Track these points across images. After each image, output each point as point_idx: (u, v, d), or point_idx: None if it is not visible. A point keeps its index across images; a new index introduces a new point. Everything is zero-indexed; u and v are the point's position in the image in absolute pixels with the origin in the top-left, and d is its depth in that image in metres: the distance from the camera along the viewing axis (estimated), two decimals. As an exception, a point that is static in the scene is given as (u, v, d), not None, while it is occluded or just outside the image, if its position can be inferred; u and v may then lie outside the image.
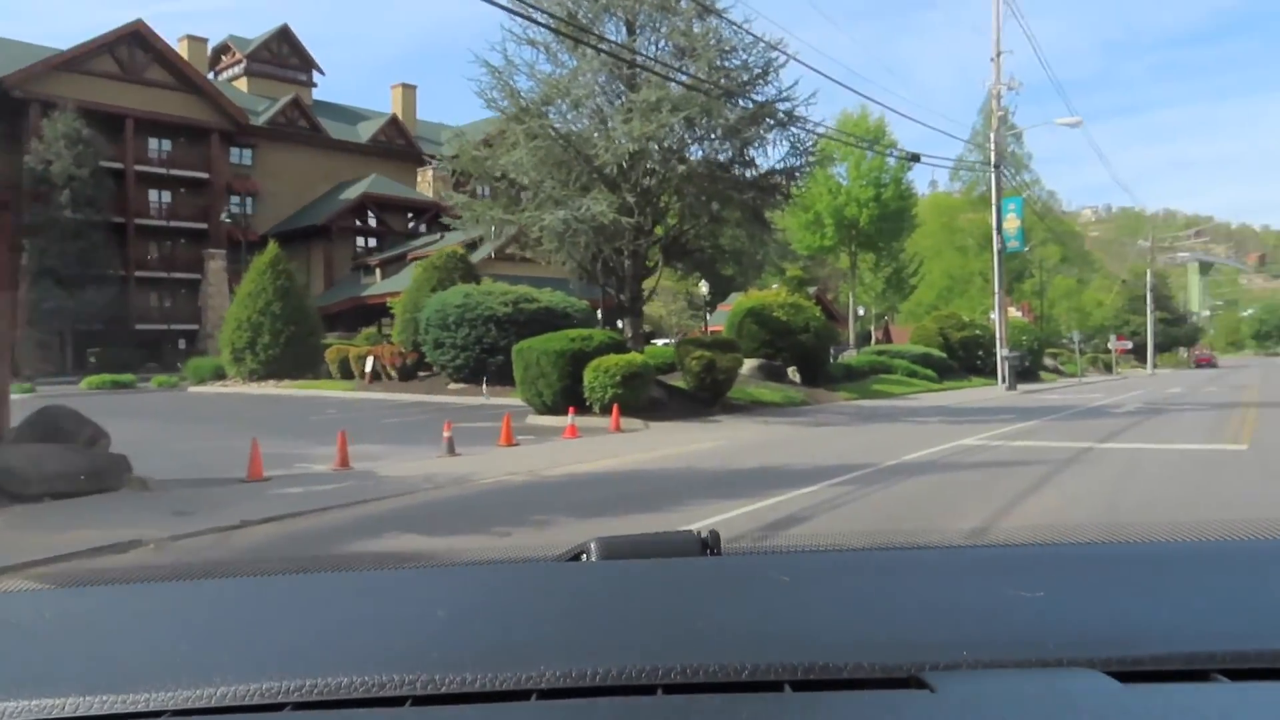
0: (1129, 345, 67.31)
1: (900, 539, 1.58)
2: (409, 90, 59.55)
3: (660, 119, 15.99)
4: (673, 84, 16.99)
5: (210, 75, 51.84)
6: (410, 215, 50.57)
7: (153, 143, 45.76)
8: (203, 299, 45.25)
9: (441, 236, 41.77)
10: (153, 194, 45.77)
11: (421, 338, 26.85)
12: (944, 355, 36.14)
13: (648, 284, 19.75)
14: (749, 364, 24.38)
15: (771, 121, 18.37)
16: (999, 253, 30.61)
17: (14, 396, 10.89)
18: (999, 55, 30.08)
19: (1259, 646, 0.82)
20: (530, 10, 15.70)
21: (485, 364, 24.05)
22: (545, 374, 17.73)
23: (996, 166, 30.21)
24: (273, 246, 34.20)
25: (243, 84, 52.90)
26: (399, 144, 54.47)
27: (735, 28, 17.05)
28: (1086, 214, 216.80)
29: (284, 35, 55.40)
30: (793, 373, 25.17)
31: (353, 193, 48.90)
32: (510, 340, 20.64)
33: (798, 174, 19.29)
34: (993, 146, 30.04)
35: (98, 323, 39.63)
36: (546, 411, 17.55)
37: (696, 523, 4.13)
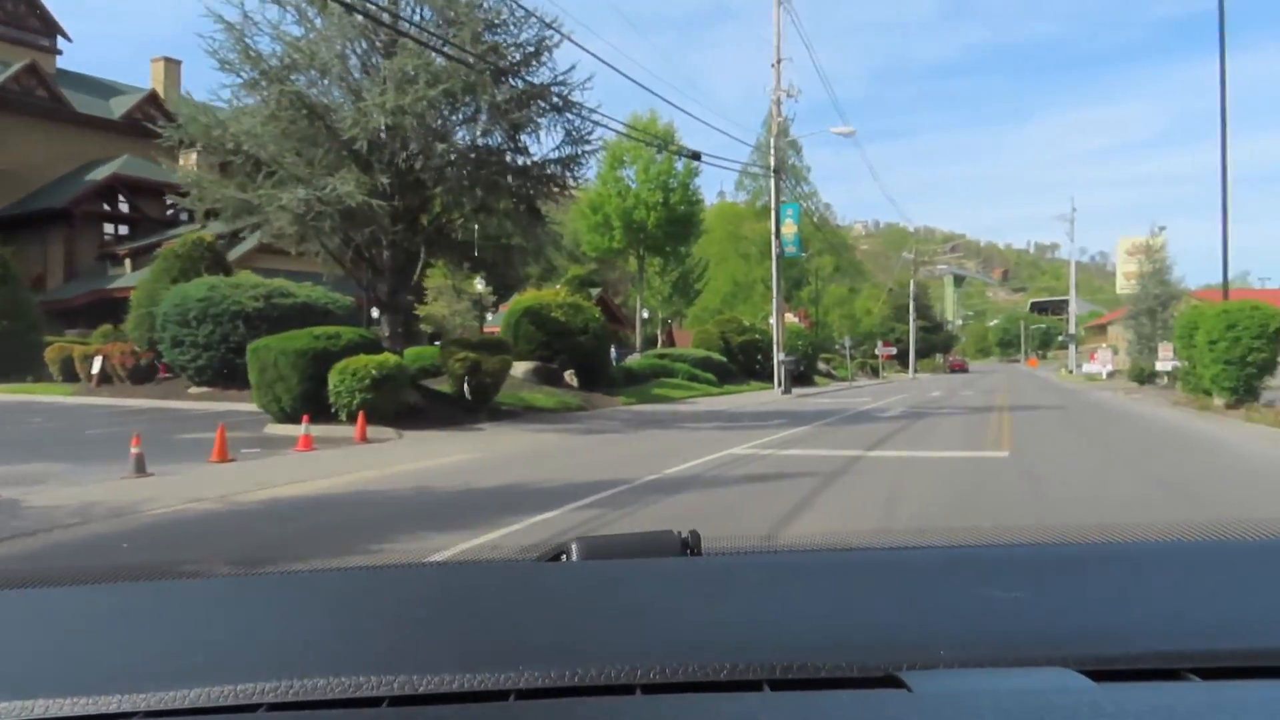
0: (894, 351, 71.87)
1: (879, 539, 1.60)
2: (172, 65, 53.35)
3: (417, 91, 14.28)
4: (436, 56, 15.33)
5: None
6: (170, 201, 45.23)
7: None
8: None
9: (204, 225, 37.54)
10: None
11: (158, 335, 23.56)
12: (725, 359, 36.38)
13: (436, 280, 17.89)
14: (523, 367, 23.02)
15: (545, 106, 17.09)
16: (777, 257, 30.99)
17: None
18: (779, 62, 30.46)
19: (1229, 645, 0.83)
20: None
21: (233, 365, 21.28)
22: (284, 376, 15.55)
23: (776, 171, 30.55)
24: (-14, 231, 29.41)
25: (-38, 43, 45.60)
26: (159, 123, 48.67)
27: (504, -1, 15.64)
28: (858, 228, 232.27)
29: (20, -10, 48.23)
30: (570, 376, 24.06)
31: (100, 174, 42.97)
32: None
33: (575, 165, 18.11)
34: (772, 151, 30.34)
35: None
36: (286, 419, 15.38)
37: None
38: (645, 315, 50.46)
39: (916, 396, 29.12)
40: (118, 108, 48.40)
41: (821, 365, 53.71)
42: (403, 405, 16.32)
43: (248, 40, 15.67)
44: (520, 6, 15.83)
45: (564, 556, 1.25)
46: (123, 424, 16.73)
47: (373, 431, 14.50)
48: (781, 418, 18.61)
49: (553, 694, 0.76)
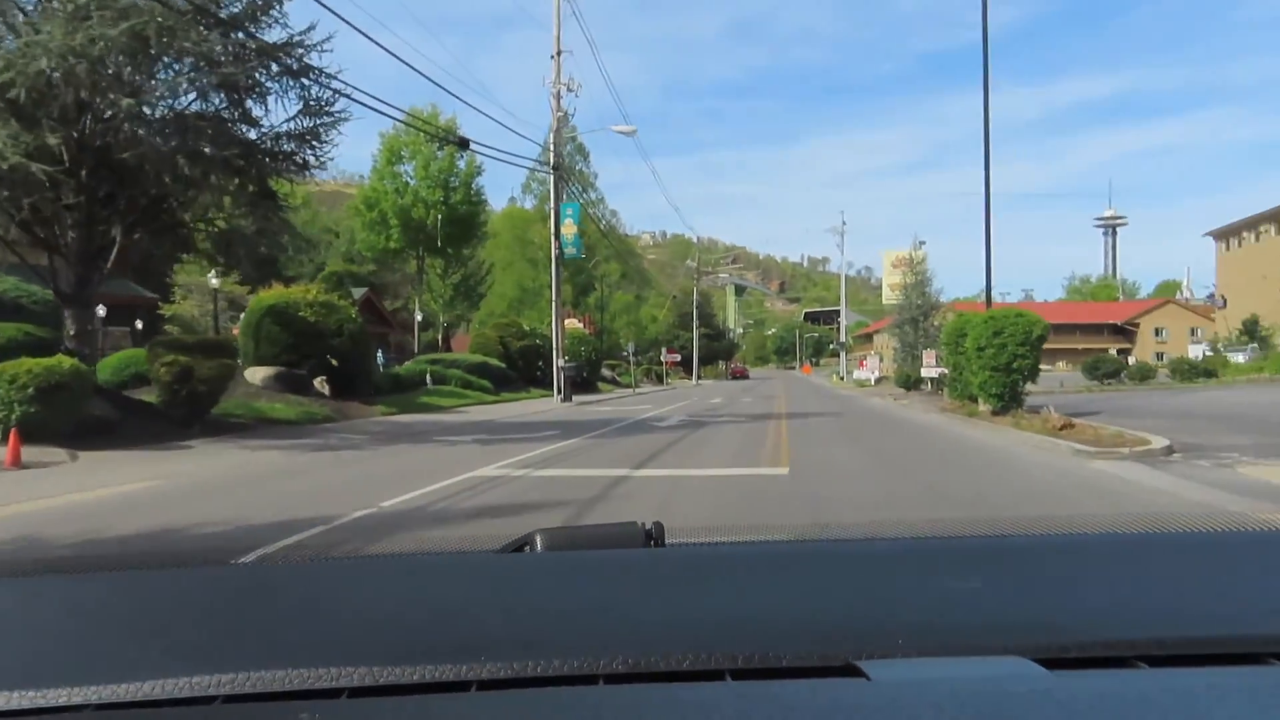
0: (679, 358, 72.59)
1: (840, 531, 1.67)
2: None
3: (91, 30, 11.46)
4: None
5: None
6: None
7: None
8: None
9: None
10: None
11: None
12: (503, 365, 34.42)
13: (194, 275, 14.71)
14: (263, 373, 20.09)
15: (277, 68, 14.58)
16: (556, 258, 29.48)
17: None
18: (559, 54, 28.98)
19: (1176, 634, 0.85)
20: None
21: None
22: (-86, 385, 12.17)
23: (556, 168, 29.01)
24: None
25: None
26: None
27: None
28: (646, 238, 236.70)
29: None
30: (321, 384, 21.30)
31: None
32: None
33: (316, 141, 15.64)
34: (551, 147, 28.78)
35: None
36: (-82, 438, 12.03)
37: None
38: (420, 318, 47.50)
39: (698, 403, 28.47)
40: None
41: (607, 372, 52.87)
42: (88, 420, 13.30)
43: None
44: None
45: (527, 547, 1.24)
46: None
47: (35, 453, 11.54)
48: (554, 429, 16.99)
49: (514, 685, 0.76)
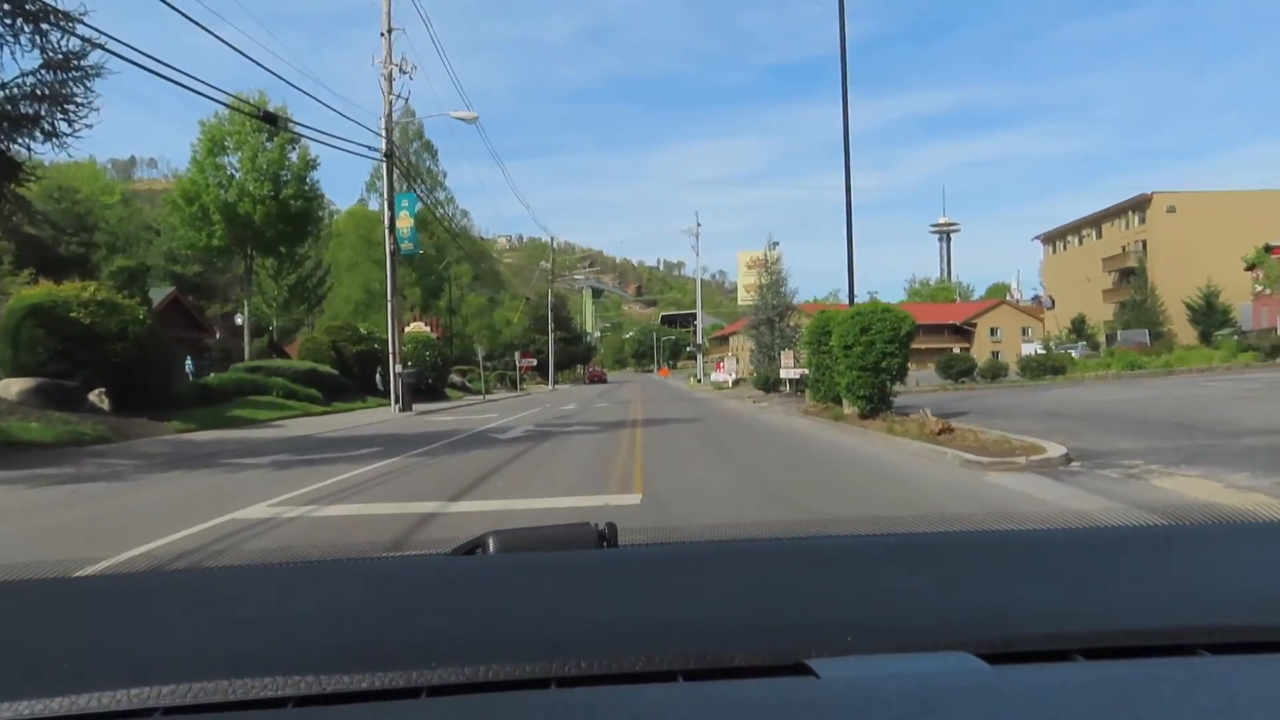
0: (534, 362, 70.23)
1: (790, 530, 1.56)
2: None
3: None
4: None
5: None
6: None
7: None
8: None
9: None
10: None
11: None
12: (336, 372, 31.31)
13: None
14: (19, 385, 16.78)
15: (8, 6, 11.69)
16: (392, 254, 26.83)
17: None
18: (390, 31, 26.37)
19: (1112, 626, 0.87)
20: None
21: None
22: None
23: (389, 155, 26.35)
24: None
25: None
26: None
27: None
28: (502, 242, 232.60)
29: None
30: (100, 397, 18.01)
31: None
32: None
33: (65, 101, 12.76)
34: (383, 133, 26.10)
35: None
36: None
37: None
38: (240, 321, 43.38)
39: (550, 410, 26.48)
40: None
41: (457, 378, 50.06)
42: None
43: None
44: None
45: (480, 550, 1.23)
46: None
47: None
48: (377, 445, 14.65)
49: (466, 690, 0.74)
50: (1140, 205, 66.42)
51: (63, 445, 14.88)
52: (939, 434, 11.69)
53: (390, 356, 27.29)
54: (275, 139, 44.86)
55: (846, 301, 18.20)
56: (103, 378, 18.20)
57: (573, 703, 0.73)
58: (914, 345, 15.75)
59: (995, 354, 55.55)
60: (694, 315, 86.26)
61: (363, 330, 36.68)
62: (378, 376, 33.42)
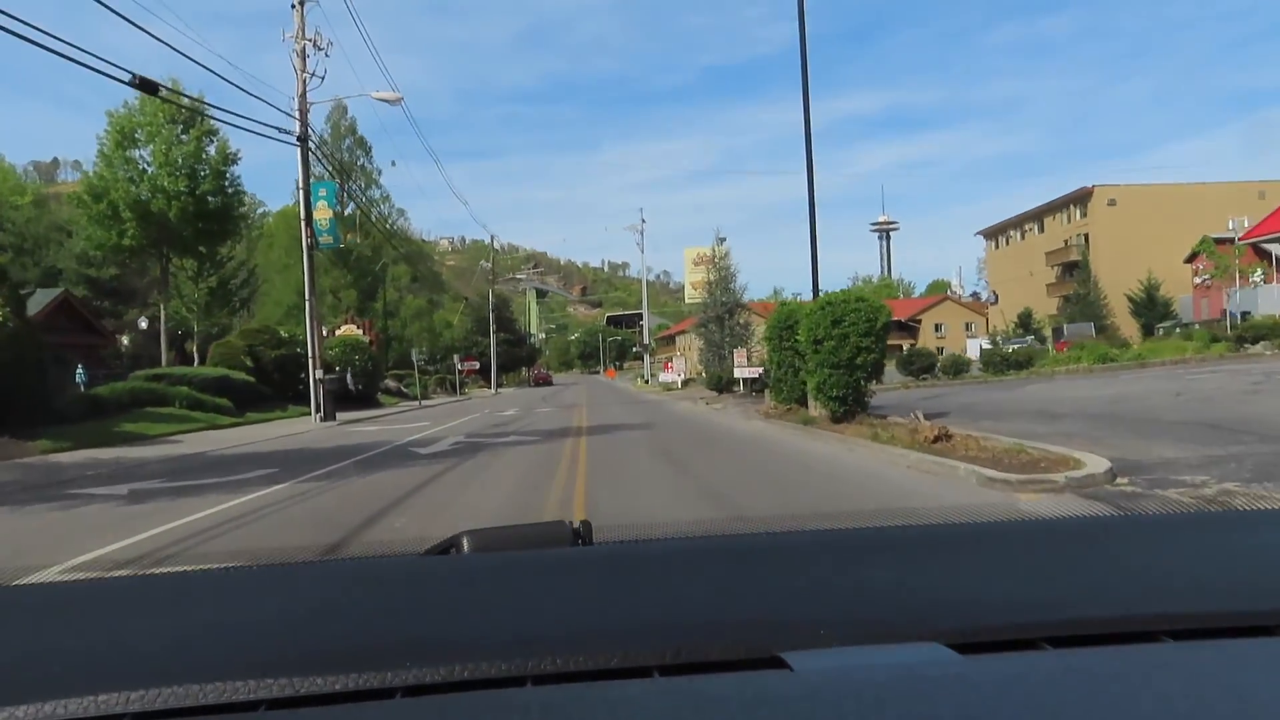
0: (477, 365, 67.65)
1: (761, 525, 1.55)
2: None
3: None
4: None
5: None
6: None
7: None
8: None
9: None
10: None
11: None
12: (251, 379, 28.68)
13: None
14: None
15: None
16: (309, 248, 24.46)
17: None
18: (302, 3, 23.97)
19: (1078, 615, 0.87)
20: None
21: None
22: None
23: (302, 140, 23.93)
24: None
25: None
26: None
27: None
28: (444, 244, 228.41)
29: None
30: (-49, 414, 15.42)
31: None
32: None
33: None
34: (297, 115, 23.68)
35: None
36: None
37: None
38: (143, 325, 40.27)
39: (488, 417, 24.31)
40: None
41: (392, 383, 47.38)
42: None
43: None
44: None
45: (454, 549, 1.22)
46: None
47: None
48: (274, 465, 12.43)
49: (441, 689, 0.74)
50: (1082, 199, 66.36)
51: (-112, 473, 12.37)
52: (934, 441, 9.91)
53: (310, 361, 24.87)
54: (191, 130, 41.90)
55: (816, 293, 16.42)
56: (-44, 390, 15.60)
57: (549, 700, 0.72)
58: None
59: (940, 349, 54.61)
60: (640, 315, 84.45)
61: (284, 334, 33.94)
62: (301, 383, 30.86)
